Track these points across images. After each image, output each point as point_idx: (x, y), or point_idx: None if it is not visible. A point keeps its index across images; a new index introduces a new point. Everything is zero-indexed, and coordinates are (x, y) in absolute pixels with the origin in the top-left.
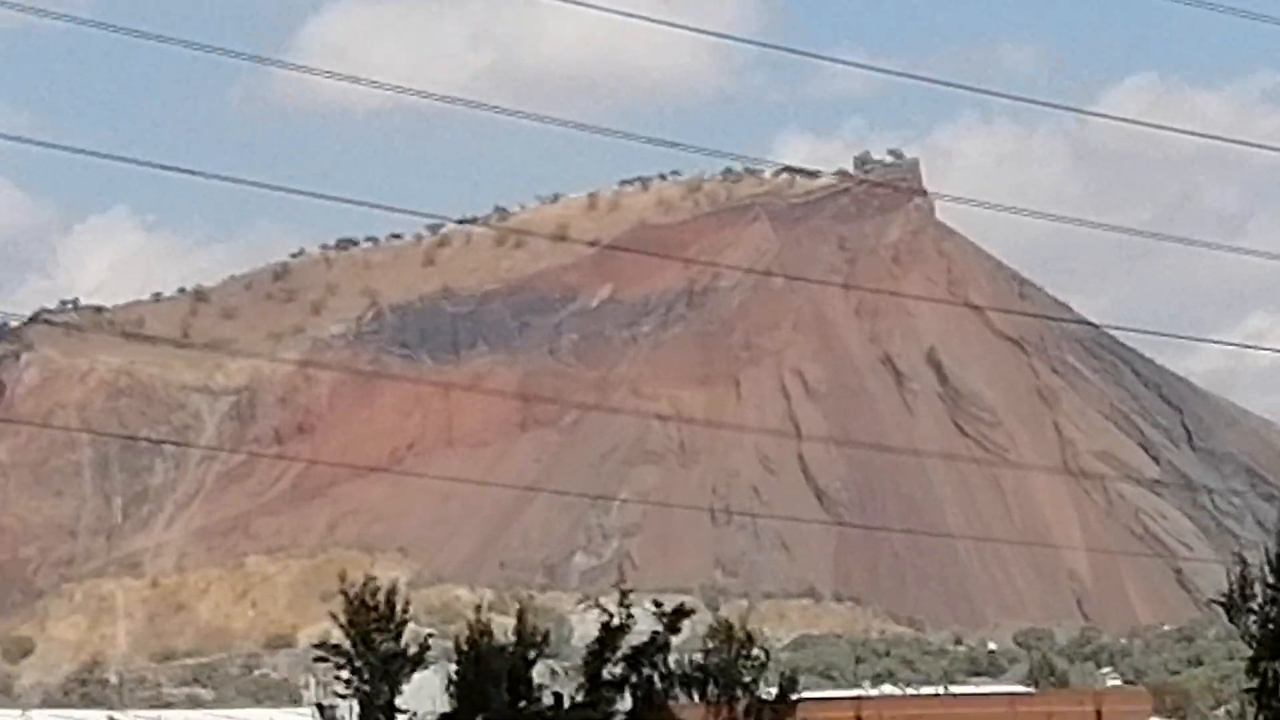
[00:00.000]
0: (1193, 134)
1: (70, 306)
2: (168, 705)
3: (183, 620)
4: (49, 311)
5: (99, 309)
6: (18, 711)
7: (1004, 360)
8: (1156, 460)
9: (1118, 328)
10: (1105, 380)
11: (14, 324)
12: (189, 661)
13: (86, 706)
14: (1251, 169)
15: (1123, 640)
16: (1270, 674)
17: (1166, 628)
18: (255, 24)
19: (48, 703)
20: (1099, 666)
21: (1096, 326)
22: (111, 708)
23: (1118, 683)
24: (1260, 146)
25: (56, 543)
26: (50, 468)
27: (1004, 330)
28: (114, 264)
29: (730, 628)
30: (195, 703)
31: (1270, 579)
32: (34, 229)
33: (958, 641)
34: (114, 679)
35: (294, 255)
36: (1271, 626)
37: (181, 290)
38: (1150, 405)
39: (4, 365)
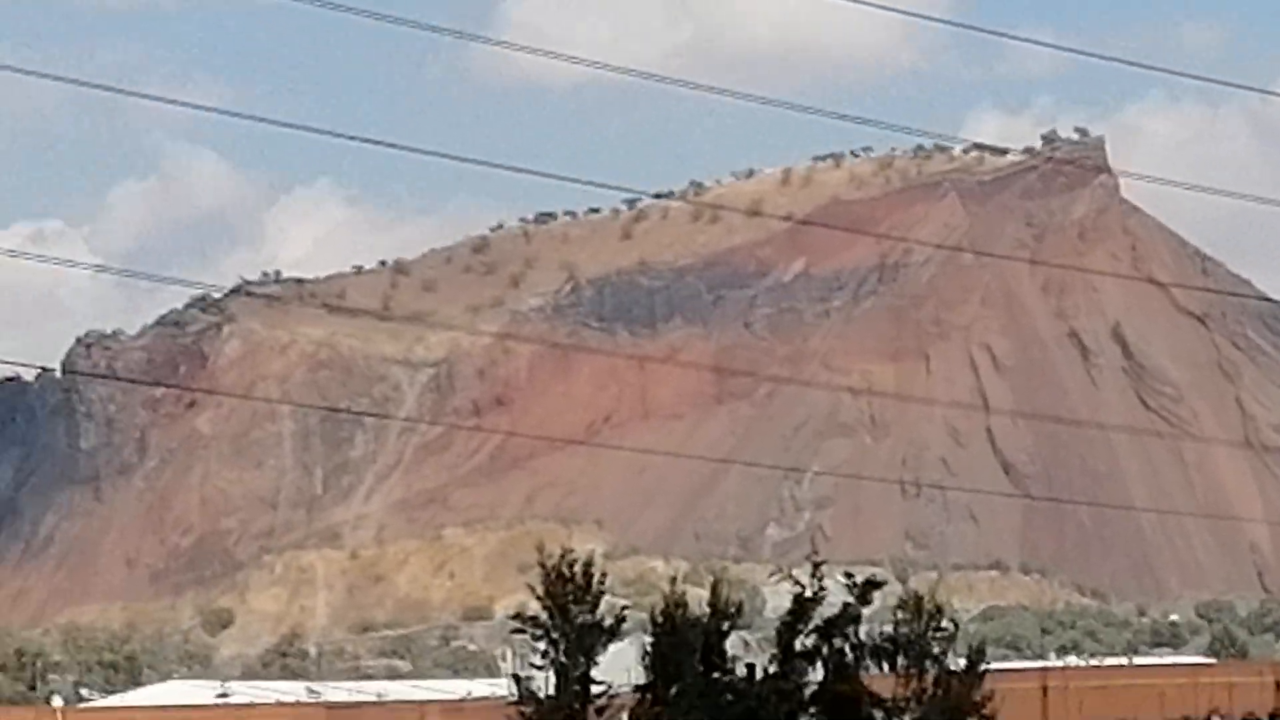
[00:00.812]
0: None
1: (272, 279)
2: (366, 677)
3: (381, 592)
4: (251, 284)
5: (300, 281)
6: (217, 683)
7: (1187, 335)
8: None
9: None
10: None
11: (216, 296)
12: (387, 633)
13: (286, 678)
14: None
15: None
16: None
17: None
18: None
19: (247, 674)
20: (1279, 639)
21: (1277, 303)
22: (310, 679)
23: None
24: None
25: (257, 514)
26: (251, 439)
27: (1187, 306)
28: (317, 237)
29: (920, 599)
30: (393, 674)
31: None
32: (240, 202)
33: (1141, 613)
34: (313, 651)
35: (493, 229)
36: None
37: (382, 263)
38: None
39: (206, 337)
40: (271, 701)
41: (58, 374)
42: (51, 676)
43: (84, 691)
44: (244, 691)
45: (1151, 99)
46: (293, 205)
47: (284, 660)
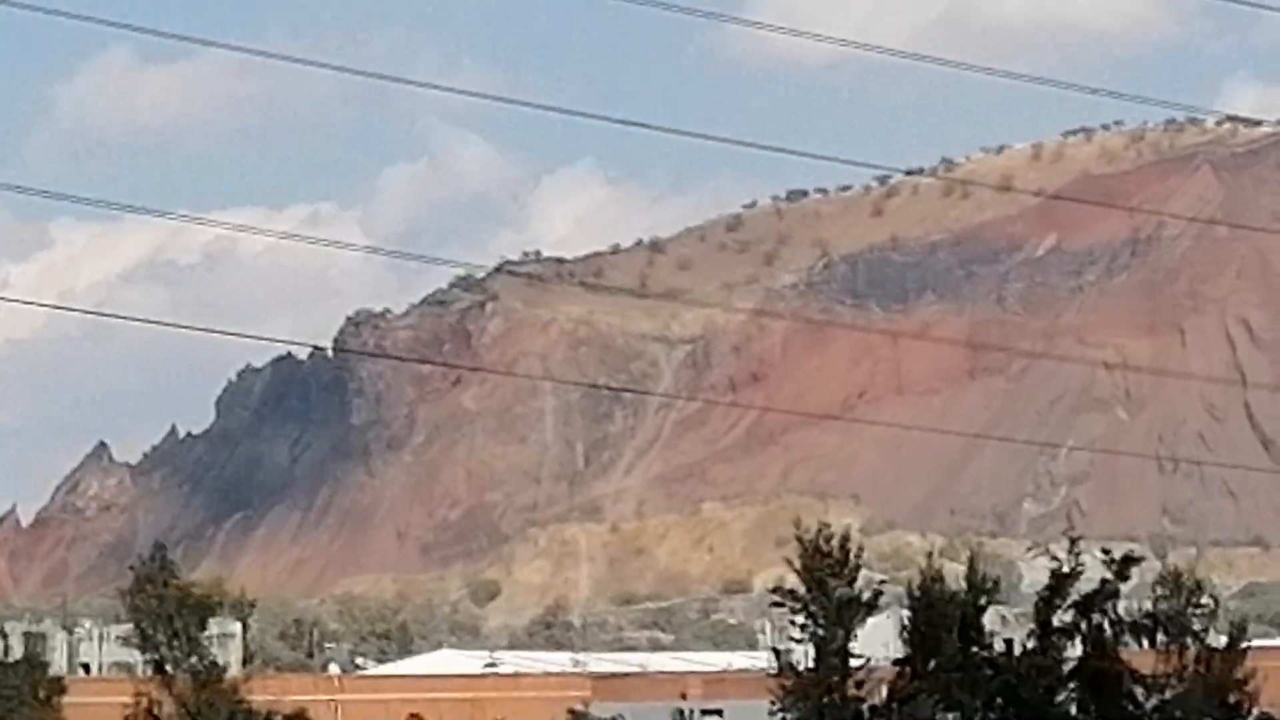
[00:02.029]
0: None
1: (533, 258)
2: (629, 648)
3: (642, 565)
4: (512, 263)
5: (560, 260)
6: (485, 652)
7: None
8: None
9: None
10: None
11: (480, 276)
12: (649, 605)
13: (551, 649)
14: None
15: None
16: None
17: None
18: None
19: (514, 644)
20: None
21: None
22: (575, 650)
23: None
24: None
25: (521, 488)
26: (514, 415)
27: None
28: (578, 216)
29: (1179, 576)
30: (655, 645)
31: None
32: (504, 183)
33: None
34: (577, 622)
35: (746, 206)
36: None
37: (639, 242)
38: None
39: (470, 315)
40: (538, 672)
41: (329, 353)
42: (328, 645)
43: (359, 660)
44: (511, 661)
45: None
46: (556, 186)
47: (549, 631)
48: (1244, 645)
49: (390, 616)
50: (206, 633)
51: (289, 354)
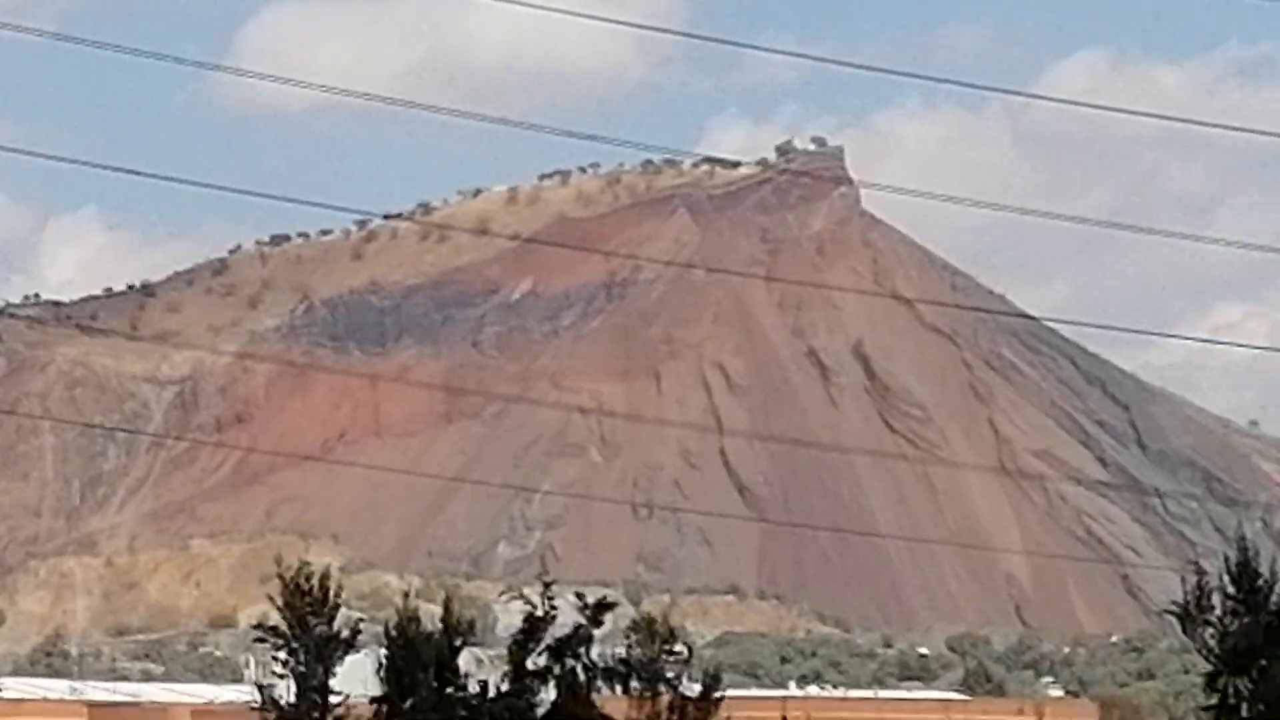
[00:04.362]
0: (1142, 114)
1: (33, 301)
2: (123, 678)
3: (135, 598)
4: (14, 306)
5: (58, 303)
6: None
7: (935, 354)
8: (1102, 461)
9: (1058, 320)
10: (1044, 376)
11: None
12: (141, 637)
13: (51, 676)
14: (1219, 150)
15: (1065, 649)
16: (1230, 690)
17: (1114, 638)
18: (199, 28)
19: (18, 671)
20: (1039, 676)
21: (1034, 319)
22: (73, 679)
23: (1060, 693)
24: (1223, 127)
25: (24, 522)
26: (17, 452)
27: (934, 323)
28: (79, 261)
29: (652, 622)
30: (147, 677)
31: (1230, 589)
32: (16, 230)
33: (887, 644)
34: (74, 651)
35: (231, 251)
36: (1231, 640)
37: (130, 286)
38: (1094, 403)
39: None
40: (38, 698)
41: None
42: None
43: None
44: (13, 688)
45: (909, 105)
46: (61, 232)
47: (49, 660)
48: (718, 694)
49: None
50: None
51: None
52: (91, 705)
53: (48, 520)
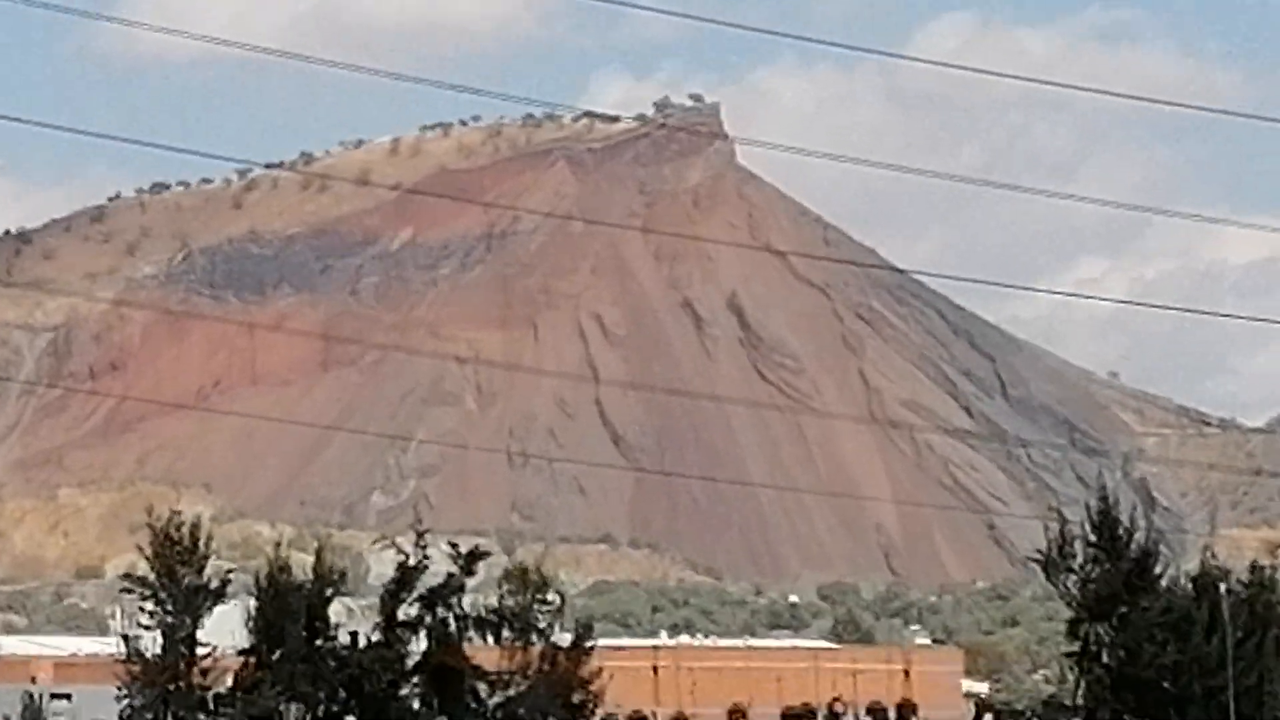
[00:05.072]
0: (1008, 75)
1: None
2: None
3: None
4: None
5: None
6: None
7: (807, 306)
8: (968, 411)
9: (926, 273)
10: (913, 328)
11: None
12: (4, 589)
13: None
14: (1082, 111)
15: (932, 597)
16: (1091, 637)
17: (979, 585)
18: None
19: None
20: (907, 624)
21: (904, 272)
22: None
23: (927, 641)
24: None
25: None
26: None
27: (808, 276)
28: None
29: (525, 572)
30: (9, 629)
31: (1091, 537)
32: None
33: (758, 592)
34: None
35: (111, 199)
36: (1093, 587)
37: (7, 231)
38: (961, 354)
39: None
40: None
41: None
42: None
43: None
44: None
45: (784, 64)
46: None
47: None
48: (590, 644)
49: None
50: None
51: None
52: None
53: None
